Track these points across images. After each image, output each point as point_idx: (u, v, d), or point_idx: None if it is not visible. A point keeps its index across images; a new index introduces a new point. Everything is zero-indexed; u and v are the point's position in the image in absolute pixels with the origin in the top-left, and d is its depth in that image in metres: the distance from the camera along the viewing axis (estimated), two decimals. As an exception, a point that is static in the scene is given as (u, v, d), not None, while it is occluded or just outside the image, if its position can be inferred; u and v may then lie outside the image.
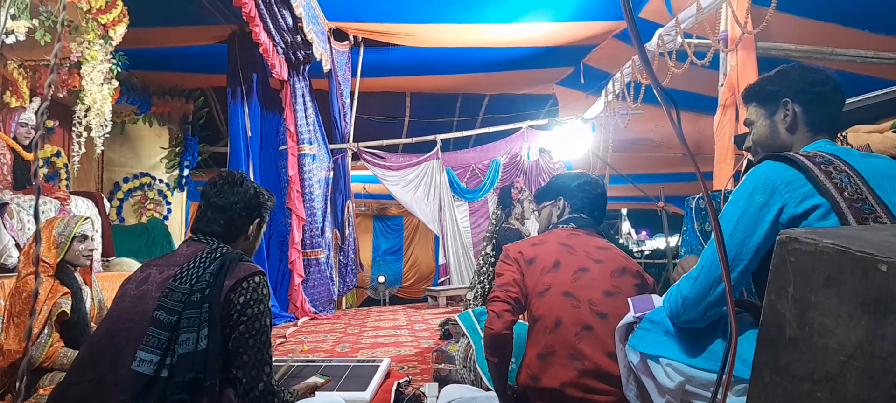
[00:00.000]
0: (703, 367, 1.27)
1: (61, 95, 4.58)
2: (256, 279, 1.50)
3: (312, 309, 6.05)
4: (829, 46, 4.11)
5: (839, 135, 2.42)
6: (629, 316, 1.50)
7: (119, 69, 4.35)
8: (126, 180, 6.96)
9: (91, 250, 2.69)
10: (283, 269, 6.33)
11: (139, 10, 4.15)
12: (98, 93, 3.99)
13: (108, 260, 4.46)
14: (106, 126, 4.11)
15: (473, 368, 2.53)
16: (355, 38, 6.91)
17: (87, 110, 4.01)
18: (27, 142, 4.04)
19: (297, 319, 5.70)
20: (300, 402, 1.86)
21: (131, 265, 4.50)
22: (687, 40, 4.23)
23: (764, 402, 0.82)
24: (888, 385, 0.66)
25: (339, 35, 6.78)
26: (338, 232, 7.03)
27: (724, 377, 0.96)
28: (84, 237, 2.63)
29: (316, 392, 2.01)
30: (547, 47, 6.83)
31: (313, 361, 3.01)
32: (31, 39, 3.47)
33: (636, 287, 1.83)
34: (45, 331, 2.39)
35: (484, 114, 8.95)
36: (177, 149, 7.32)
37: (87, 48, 3.86)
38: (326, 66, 6.48)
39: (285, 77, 5.98)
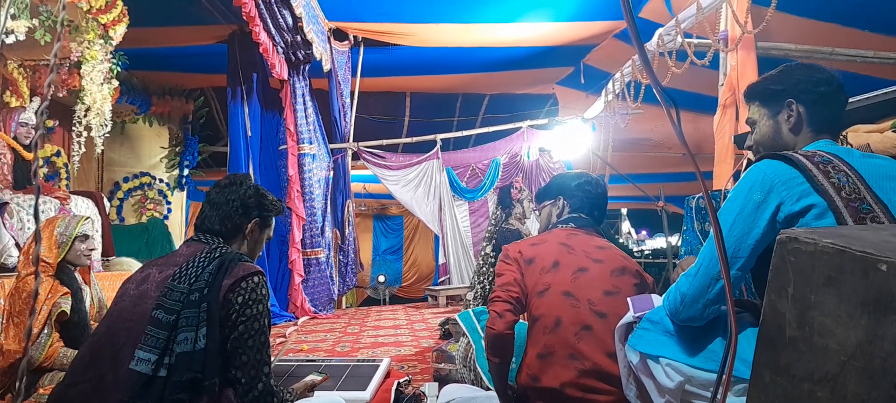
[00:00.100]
0: (702, 367, 1.27)
1: (61, 95, 4.58)
2: (255, 279, 1.50)
3: (312, 309, 6.05)
4: (830, 46, 4.11)
5: (840, 134, 2.42)
6: (629, 316, 1.50)
7: (119, 69, 4.35)
8: (126, 180, 6.96)
9: (92, 249, 2.69)
10: (283, 269, 6.33)
11: (139, 10, 4.15)
12: (98, 93, 3.99)
13: (108, 260, 4.46)
14: (106, 125, 4.11)
15: (473, 368, 2.53)
16: (355, 37, 6.91)
17: (87, 110, 4.01)
18: (27, 141, 4.04)
19: (297, 319, 5.70)
20: (300, 402, 1.86)
21: (131, 264, 4.50)
22: (687, 40, 4.23)
23: (764, 402, 0.82)
24: (888, 385, 0.66)
25: (339, 35, 6.78)
26: (338, 232, 7.03)
27: (724, 376, 0.96)
28: (85, 236, 2.63)
29: (315, 392, 2.01)
30: (547, 47, 6.83)
31: (313, 360, 3.01)
32: (31, 39, 3.47)
33: (636, 286, 1.83)
34: (45, 331, 2.39)
35: (484, 113, 8.95)
36: (177, 149, 7.32)
37: (87, 48, 3.86)
38: (326, 66, 6.47)
39: (285, 77, 5.98)
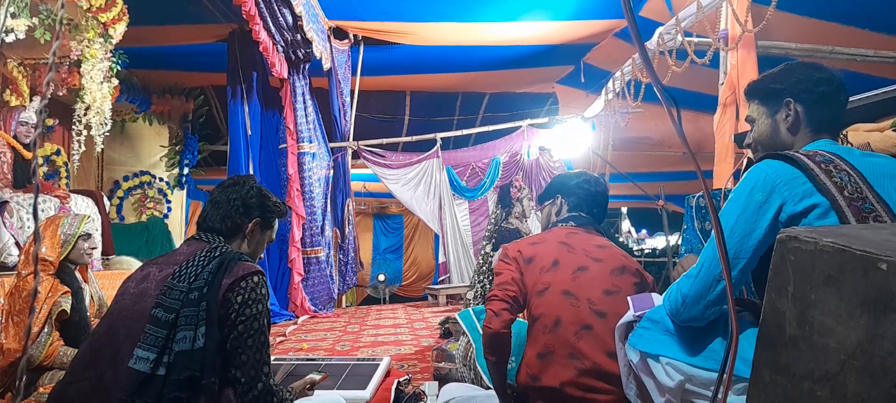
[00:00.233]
0: (702, 366, 1.27)
1: (61, 94, 4.58)
2: (255, 278, 1.50)
3: (312, 308, 6.05)
4: (830, 45, 4.11)
5: (840, 133, 2.42)
6: (629, 315, 1.50)
7: (119, 67, 4.35)
8: (126, 178, 6.97)
9: (93, 248, 2.70)
10: (282, 268, 6.33)
11: (139, 9, 4.15)
12: (98, 92, 3.99)
13: (108, 259, 4.46)
14: (106, 124, 4.11)
15: (473, 366, 2.53)
16: (355, 36, 6.90)
17: (87, 108, 4.01)
18: (27, 140, 4.04)
19: (297, 317, 5.70)
20: (300, 401, 1.86)
21: (131, 263, 4.51)
22: (687, 39, 4.23)
23: (764, 401, 0.82)
24: (888, 384, 0.66)
25: (339, 33, 6.78)
26: (338, 231, 7.03)
27: (725, 376, 0.96)
28: (88, 235, 2.64)
29: (315, 391, 2.01)
30: (547, 46, 6.82)
31: (313, 360, 3.01)
32: (31, 38, 3.47)
33: (636, 285, 1.83)
34: (45, 330, 2.39)
35: (484, 112, 8.95)
36: (177, 148, 7.32)
37: (87, 46, 3.86)
38: (326, 65, 6.47)
39: (285, 75, 5.98)
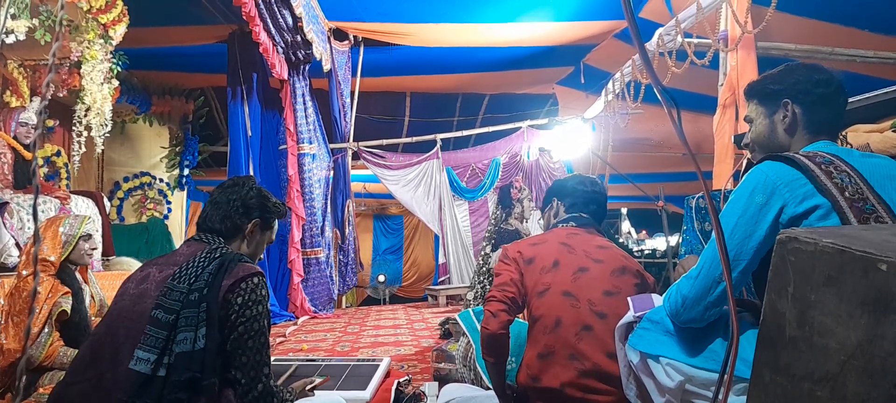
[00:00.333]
0: (703, 367, 1.27)
1: (61, 95, 4.58)
2: (255, 280, 1.50)
3: (312, 309, 6.05)
4: (830, 46, 4.11)
5: (839, 134, 2.42)
6: (629, 316, 1.50)
7: (119, 69, 4.35)
8: (126, 179, 6.96)
9: (94, 248, 2.70)
10: (282, 268, 6.33)
11: (139, 10, 4.15)
12: (98, 93, 3.99)
13: (108, 260, 4.46)
14: (106, 125, 4.11)
15: (473, 367, 2.53)
16: (355, 37, 6.91)
17: (88, 109, 4.01)
18: (27, 141, 4.04)
19: (297, 318, 5.70)
20: (300, 402, 1.86)
21: (131, 264, 4.50)
22: (687, 40, 4.23)
23: (764, 401, 0.82)
24: (888, 384, 0.66)
25: (339, 35, 6.78)
26: (338, 232, 7.03)
27: (725, 376, 0.96)
28: (89, 236, 2.64)
29: (315, 391, 2.01)
30: (547, 47, 6.83)
31: (313, 360, 3.01)
32: (31, 39, 3.47)
33: (636, 286, 1.83)
34: (46, 330, 2.39)
35: (484, 113, 8.95)
36: (177, 149, 7.32)
37: (87, 48, 3.86)
38: (326, 66, 6.47)
39: (285, 76, 5.98)
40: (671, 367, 1.30)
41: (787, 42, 4.11)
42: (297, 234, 6.06)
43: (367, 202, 11.66)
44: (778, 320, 0.80)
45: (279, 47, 5.61)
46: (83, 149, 4.04)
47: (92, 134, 4.05)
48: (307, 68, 6.32)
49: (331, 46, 6.52)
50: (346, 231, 7.13)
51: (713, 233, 1.23)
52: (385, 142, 7.64)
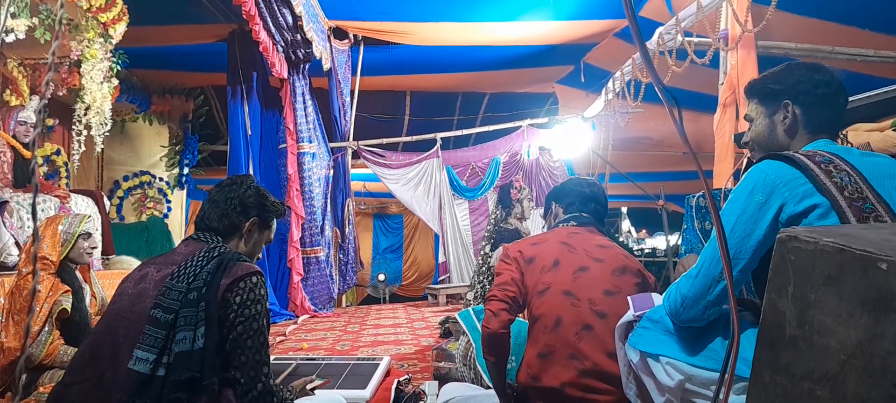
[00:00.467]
0: (702, 366, 1.27)
1: (61, 94, 4.57)
2: (254, 279, 1.50)
3: (312, 308, 6.05)
4: (830, 45, 4.11)
5: (840, 133, 2.42)
6: (629, 315, 1.50)
7: (119, 67, 4.34)
8: (126, 178, 6.96)
9: (94, 247, 2.71)
10: (282, 267, 6.33)
11: (139, 9, 4.15)
12: (98, 92, 3.99)
13: (108, 259, 4.46)
14: (106, 124, 4.11)
15: (473, 366, 2.53)
16: (355, 36, 6.90)
17: (87, 108, 4.01)
18: (26, 139, 4.04)
19: (297, 317, 5.70)
20: (300, 401, 1.86)
21: (131, 263, 4.50)
22: (687, 39, 4.23)
23: (764, 401, 0.82)
24: (888, 384, 0.66)
25: (339, 33, 6.78)
26: (338, 231, 7.03)
27: (726, 376, 0.96)
28: (88, 234, 2.64)
29: (315, 391, 2.01)
30: (547, 46, 6.82)
31: (313, 359, 3.01)
32: (31, 38, 3.46)
33: (637, 286, 1.82)
34: (46, 329, 2.39)
35: (484, 112, 8.95)
36: (177, 148, 7.32)
37: (87, 46, 3.85)
38: (326, 65, 6.47)
39: (285, 75, 5.98)
40: (671, 366, 1.30)
41: (787, 41, 4.11)
42: (296, 233, 6.06)
43: (367, 201, 11.66)
44: (778, 319, 0.80)
45: (279, 46, 5.61)
46: (83, 148, 4.04)
47: (92, 132, 4.05)
48: (307, 67, 6.32)
49: (331, 45, 6.51)
50: (346, 230, 7.13)
51: (712, 232, 1.23)
52: (385, 140, 7.64)
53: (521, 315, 1.91)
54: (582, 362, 1.65)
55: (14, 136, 4.00)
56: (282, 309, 5.87)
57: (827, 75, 1.40)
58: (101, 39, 3.92)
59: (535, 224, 6.36)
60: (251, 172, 6.12)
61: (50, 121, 5.23)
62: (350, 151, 7.26)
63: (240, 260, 1.55)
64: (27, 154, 4.02)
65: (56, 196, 3.94)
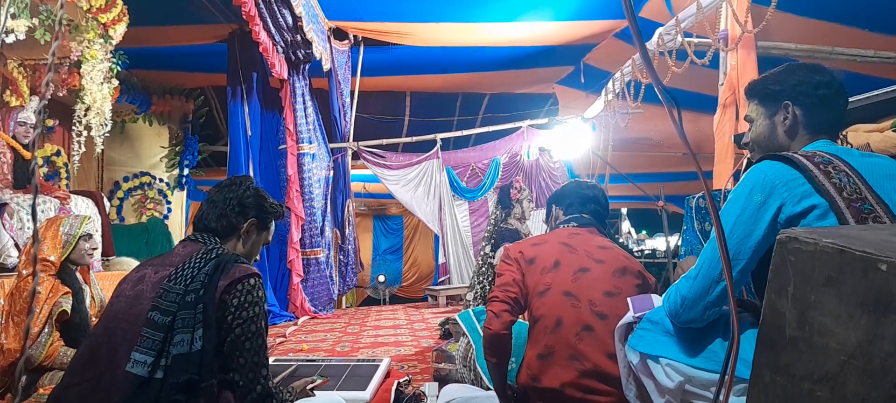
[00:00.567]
0: (702, 367, 1.27)
1: (61, 94, 4.57)
2: (252, 281, 1.49)
3: (312, 309, 6.05)
4: (830, 46, 4.11)
5: (840, 134, 2.42)
6: (629, 316, 1.50)
7: (119, 68, 4.34)
8: (126, 179, 6.96)
9: (94, 248, 2.70)
10: (282, 268, 6.33)
11: (139, 10, 4.15)
12: (98, 92, 3.99)
13: (108, 260, 4.46)
14: (106, 125, 4.11)
15: (473, 367, 2.53)
16: (355, 37, 6.90)
17: (87, 109, 4.01)
18: (26, 140, 4.04)
19: (297, 318, 5.70)
20: (299, 402, 1.86)
21: (131, 264, 4.50)
22: (687, 39, 4.22)
23: (764, 402, 0.82)
24: (888, 384, 0.66)
25: (339, 34, 6.78)
26: (338, 232, 7.03)
27: (726, 377, 0.96)
28: (89, 236, 2.64)
29: (315, 392, 2.01)
30: (547, 46, 6.82)
31: (313, 360, 3.01)
32: (31, 38, 3.46)
33: (637, 287, 1.82)
34: (46, 330, 2.39)
35: (484, 113, 8.95)
36: (177, 149, 7.32)
37: (87, 47, 3.85)
38: (326, 66, 6.47)
39: (285, 76, 5.98)
40: (671, 368, 1.30)
41: (787, 41, 4.11)
42: (296, 234, 6.06)
43: (367, 202, 11.66)
44: (778, 320, 0.80)
45: (279, 47, 5.61)
46: (83, 149, 4.04)
47: (92, 133, 4.05)
48: (307, 68, 6.32)
49: (331, 46, 6.51)
50: (346, 231, 7.13)
51: (712, 233, 1.23)
52: (385, 141, 7.64)
53: (521, 316, 1.91)
54: (582, 363, 1.65)
55: (14, 137, 4.00)
56: (282, 310, 5.86)
57: (827, 76, 1.40)
58: (102, 40, 3.92)
59: (534, 224, 6.36)
60: (251, 173, 6.12)
61: (50, 122, 5.23)
62: (350, 152, 7.26)
63: (238, 261, 1.54)
64: (27, 155, 4.02)
65: (56, 197, 3.94)
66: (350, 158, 7.29)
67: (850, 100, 1.63)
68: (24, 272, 2.50)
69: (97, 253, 4.02)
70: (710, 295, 1.27)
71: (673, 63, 4.31)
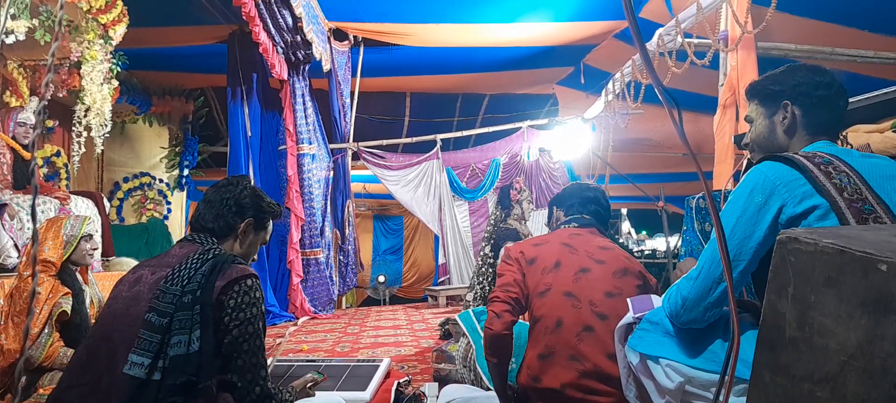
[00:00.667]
0: (702, 368, 1.26)
1: (61, 95, 4.57)
2: (249, 282, 1.48)
3: (312, 309, 6.05)
4: (830, 46, 4.11)
5: (840, 135, 2.42)
6: (628, 317, 1.50)
7: (119, 69, 4.35)
8: (126, 180, 6.96)
9: (95, 249, 2.71)
10: (282, 269, 6.33)
11: (139, 10, 4.15)
12: (98, 93, 3.99)
13: (107, 260, 4.46)
14: (106, 125, 4.11)
15: (473, 368, 2.53)
16: (355, 37, 6.90)
17: (87, 110, 4.01)
18: (26, 141, 4.04)
19: (297, 319, 5.70)
20: (300, 402, 1.86)
21: (131, 264, 4.49)
22: (687, 40, 4.22)
23: (764, 402, 0.82)
24: (888, 385, 0.66)
25: (339, 35, 6.78)
26: (338, 232, 7.03)
27: (726, 377, 0.96)
28: (89, 236, 2.64)
29: (316, 392, 2.01)
30: (547, 47, 6.83)
31: (313, 361, 3.01)
32: (31, 39, 3.46)
33: (638, 288, 1.82)
34: (46, 331, 2.39)
35: (484, 113, 8.95)
36: (177, 149, 7.32)
37: (87, 48, 3.85)
38: (326, 66, 6.47)
39: (285, 77, 5.98)
40: (671, 368, 1.30)
41: (787, 42, 4.11)
42: (296, 235, 6.06)
43: (367, 202, 11.66)
44: (778, 320, 0.80)
45: (279, 47, 5.61)
46: (83, 150, 4.04)
47: (92, 134, 4.05)
48: (307, 68, 6.32)
49: (331, 46, 6.52)
50: (346, 231, 7.13)
51: (712, 234, 1.23)
52: (385, 142, 7.64)
53: (521, 316, 1.91)
54: (582, 363, 1.65)
55: (14, 138, 4.00)
56: (281, 310, 5.86)
57: (827, 77, 1.41)
58: (101, 41, 3.92)
59: (534, 225, 6.36)
60: (251, 174, 6.12)
61: (50, 123, 5.23)
62: (350, 153, 7.26)
63: (234, 262, 1.53)
64: (27, 155, 4.02)
65: (56, 197, 3.94)
66: (350, 159, 7.29)
67: (850, 100, 1.63)
68: (25, 273, 2.50)
69: (97, 254, 4.03)
70: (711, 295, 1.27)
71: (673, 64, 4.32)
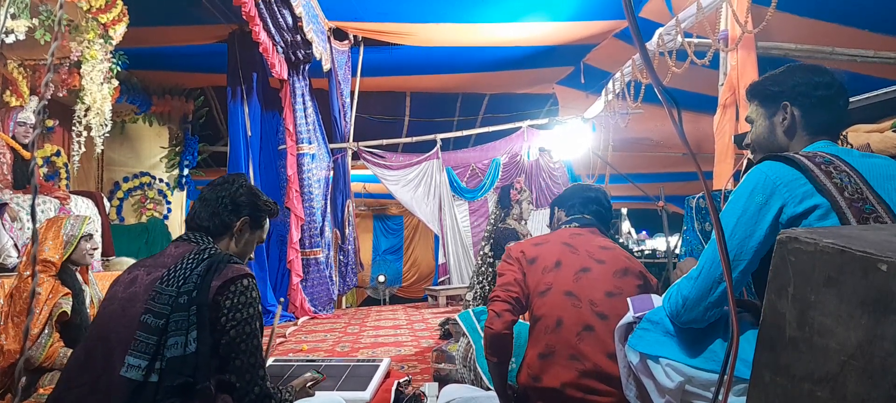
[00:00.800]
0: (703, 367, 1.26)
1: (61, 95, 4.57)
2: (245, 282, 1.47)
3: (312, 309, 6.05)
4: (830, 46, 4.11)
5: (840, 135, 2.42)
6: (629, 316, 1.50)
7: (119, 68, 4.35)
8: (126, 179, 6.97)
9: (95, 248, 2.70)
10: (282, 268, 6.33)
11: (139, 10, 4.15)
12: (98, 93, 3.99)
13: (107, 260, 4.46)
14: (106, 125, 4.11)
15: (473, 367, 2.53)
16: (355, 37, 6.90)
17: (87, 109, 4.01)
18: (26, 140, 4.03)
19: (297, 319, 5.70)
20: (299, 402, 1.86)
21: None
22: (687, 39, 4.22)
23: (764, 402, 0.82)
24: (888, 385, 0.66)
25: (339, 34, 6.78)
26: (338, 232, 7.03)
27: (726, 377, 0.96)
28: (90, 236, 2.64)
29: (315, 392, 2.00)
30: (547, 47, 6.82)
31: (313, 361, 3.01)
32: (31, 39, 3.46)
33: (639, 287, 1.83)
34: (46, 331, 2.39)
35: (484, 113, 8.95)
36: (177, 149, 7.32)
37: (87, 47, 3.86)
38: (326, 66, 6.47)
39: (285, 76, 5.98)
40: (671, 368, 1.30)
41: (787, 42, 4.11)
42: (296, 234, 6.06)
43: (367, 202, 11.66)
44: (778, 320, 0.80)
45: (279, 47, 5.61)
46: (83, 149, 4.04)
47: (92, 134, 4.05)
48: (307, 68, 6.32)
49: (331, 46, 6.52)
50: (346, 231, 7.13)
51: (713, 233, 1.23)
52: (385, 142, 7.64)
53: (522, 316, 1.91)
54: (582, 363, 1.65)
55: (14, 137, 4.00)
56: (281, 310, 5.86)
57: (827, 77, 1.40)
58: (101, 40, 3.92)
59: (534, 225, 6.36)
60: (251, 173, 6.13)
61: (50, 123, 5.23)
62: (350, 152, 7.26)
63: (231, 261, 1.51)
64: (27, 155, 4.02)
65: (56, 197, 3.94)
66: (350, 158, 7.29)
67: (851, 100, 1.63)
68: (25, 273, 2.50)
69: (97, 254, 4.02)
70: (711, 295, 1.27)
71: (673, 63, 4.32)
